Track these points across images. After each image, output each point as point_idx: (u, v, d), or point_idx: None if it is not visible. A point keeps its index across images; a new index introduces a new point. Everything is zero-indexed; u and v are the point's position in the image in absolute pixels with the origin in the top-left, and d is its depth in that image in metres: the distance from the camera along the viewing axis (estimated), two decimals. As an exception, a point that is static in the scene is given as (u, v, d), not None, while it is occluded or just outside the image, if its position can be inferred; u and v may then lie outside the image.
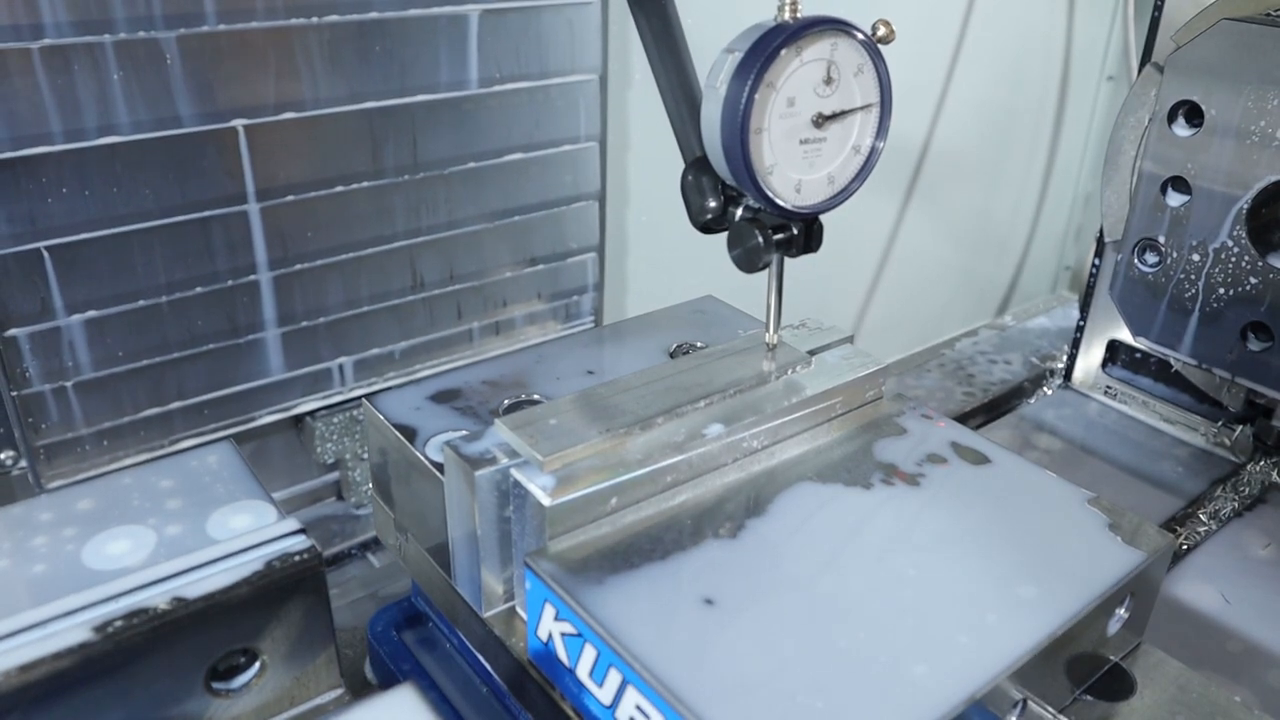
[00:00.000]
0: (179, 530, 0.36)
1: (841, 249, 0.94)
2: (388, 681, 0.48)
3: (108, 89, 0.49)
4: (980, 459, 0.44)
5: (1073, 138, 1.16)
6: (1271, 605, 0.55)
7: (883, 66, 0.39)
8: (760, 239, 0.40)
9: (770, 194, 0.39)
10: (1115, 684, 0.40)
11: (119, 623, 0.31)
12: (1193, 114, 0.72)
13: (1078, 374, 0.85)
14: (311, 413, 0.63)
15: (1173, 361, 0.75)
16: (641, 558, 0.37)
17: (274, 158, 0.55)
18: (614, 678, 0.33)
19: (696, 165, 0.41)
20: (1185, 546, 0.62)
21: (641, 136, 0.75)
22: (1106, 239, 0.80)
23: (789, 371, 0.45)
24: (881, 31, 0.39)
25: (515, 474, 0.38)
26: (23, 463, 0.53)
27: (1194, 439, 0.75)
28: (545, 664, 0.37)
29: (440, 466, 0.41)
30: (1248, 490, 0.70)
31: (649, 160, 0.76)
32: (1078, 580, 0.37)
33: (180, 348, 0.56)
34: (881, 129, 0.41)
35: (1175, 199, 0.73)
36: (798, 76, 0.38)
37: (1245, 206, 0.69)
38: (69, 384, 0.53)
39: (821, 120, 0.39)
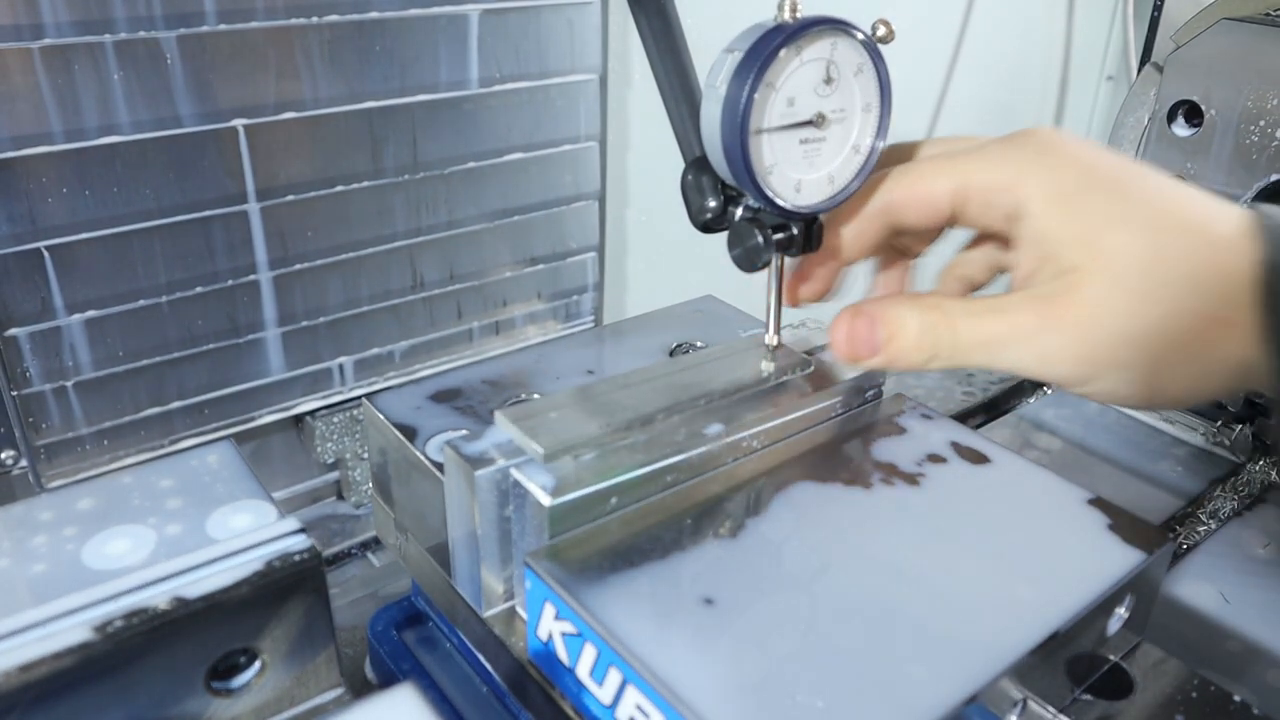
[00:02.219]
0: (179, 530, 0.36)
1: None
2: (388, 681, 0.48)
3: (108, 89, 0.49)
4: (980, 458, 0.44)
5: (1073, 138, 1.16)
6: (1271, 605, 0.55)
7: (883, 66, 0.39)
8: (760, 238, 0.40)
9: (770, 194, 0.39)
10: (1115, 683, 0.40)
11: (119, 622, 0.31)
12: (1192, 114, 0.72)
13: (1078, 374, 0.85)
14: (311, 412, 0.63)
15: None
16: (641, 557, 0.37)
17: (274, 157, 0.55)
18: (614, 677, 0.33)
19: (696, 165, 0.41)
20: (1185, 546, 0.63)
21: (641, 136, 0.75)
22: (1106, 239, 0.80)
23: (789, 372, 0.45)
24: (881, 31, 0.39)
25: (515, 474, 0.38)
26: (23, 462, 0.53)
27: (1193, 438, 0.75)
28: (545, 663, 0.38)
29: (440, 466, 0.41)
30: (1247, 490, 0.70)
31: (649, 160, 0.76)
32: (1078, 580, 0.37)
33: (180, 347, 0.56)
34: (881, 129, 0.41)
35: (1175, 199, 0.73)
36: (798, 76, 0.38)
37: (1245, 206, 0.69)
38: (69, 384, 0.53)
39: (821, 120, 0.39)
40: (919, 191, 0.38)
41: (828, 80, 0.38)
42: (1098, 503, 0.41)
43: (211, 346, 0.57)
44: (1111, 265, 0.34)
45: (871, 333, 0.39)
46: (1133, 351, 0.35)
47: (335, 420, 0.64)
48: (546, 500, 0.37)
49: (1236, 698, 0.39)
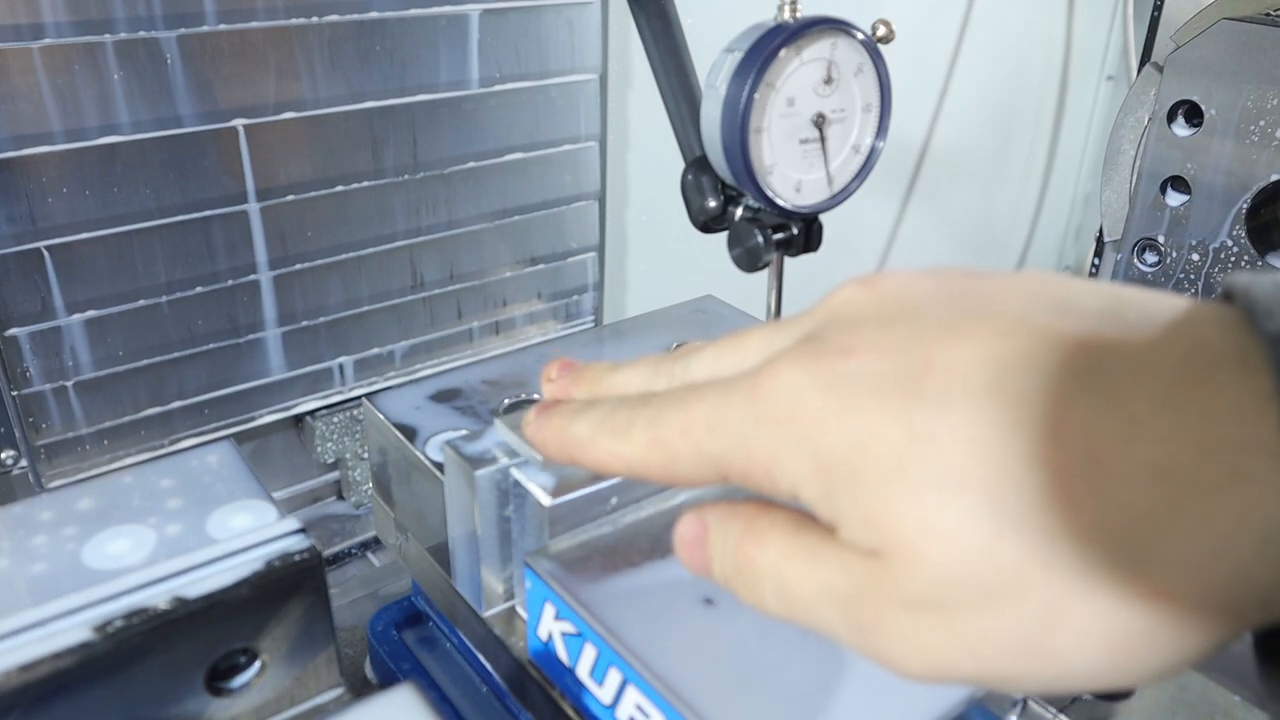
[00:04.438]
0: (179, 530, 0.36)
1: (842, 249, 0.94)
2: (388, 681, 0.48)
3: (108, 89, 0.49)
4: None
5: (1072, 138, 1.16)
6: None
7: (883, 66, 0.39)
8: (760, 238, 0.40)
9: (770, 194, 0.39)
10: (1115, 684, 0.40)
11: (119, 622, 0.31)
12: (1192, 114, 0.72)
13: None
14: (311, 412, 0.63)
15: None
16: (641, 557, 0.37)
17: (274, 157, 0.55)
18: (614, 677, 0.33)
19: (696, 165, 0.41)
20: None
21: (641, 136, 0.75)
22: (1106, 239, 0.80)
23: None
24: (881, 31, 0.39)
25: (515, 474, 0.38)
26: (23, 462, 0.53)
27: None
28: (545, 663, 0.37)
29: (440, 466, 0.41)
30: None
31: (649, 160, 0.76)
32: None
33: (180, 347, 0.56)
34: (881, 129, 0.41)
35: (1175, 199, 0.73)
36: (798, 76, 0.38)
37: (1245, 206, 0.69)
38: (69, 384, 0.53)
39: (821, 120, 0.39)
40: (678, 484, 0.28)
41: (828, 80, 0.38)
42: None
43: (211, 346, 0.57)
44: (921, 553, 0.21)
45: (695, 550, 0.28)
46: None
47: (335, 420, 0.64)
48: (546, 500, 0.37)
49: (1236, 698, 0.39)
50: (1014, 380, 0.20)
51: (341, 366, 0.63)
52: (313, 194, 0.57)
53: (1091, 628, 0.19)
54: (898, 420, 0.21)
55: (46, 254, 0.50)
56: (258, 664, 0.35)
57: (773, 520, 0.25)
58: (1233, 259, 0.70)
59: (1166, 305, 0.21)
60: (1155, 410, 0.19)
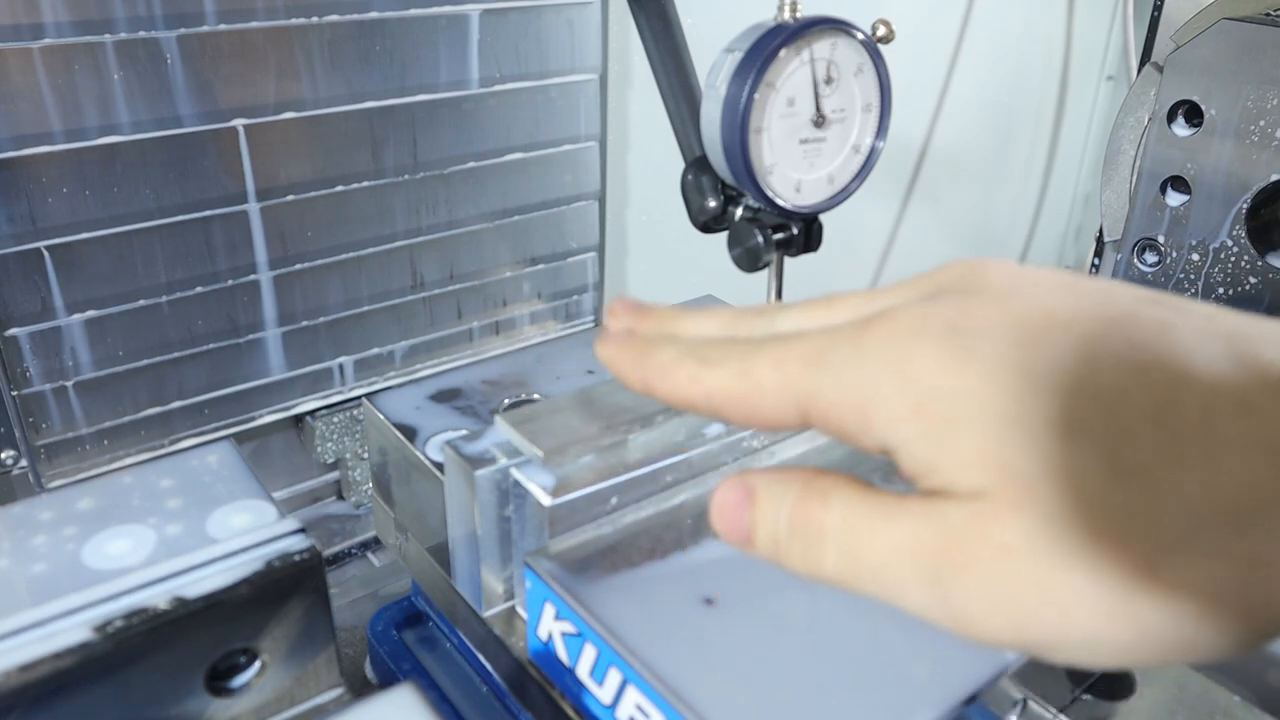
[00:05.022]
0: (179, 530, 0.36)
1: (842, 249, 0.94)
2: (388, 681, 0.48)
3: (108, 89, 0.49)
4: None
5: (1072, 138, 1.16)
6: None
7: (883, 66, 0.40)
8: (760, 238, 0.40)
9: (770, 194, 0.39)
10: (1115, 683, 0.40)
11: (119, 622, 0.31)
12: (1192, 114, 0.72)
13: (1077, 374, 0.85)
14: (311, 412, 0.63)
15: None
16: (641, 557, 0.37)
17: (274, 157, 0.55)
18: (614, 677, 0.33)
19: (696, 165, 0.41)
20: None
21: (641, 136, 0.75)
22: (1106, 239, 0.80)
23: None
24: (881, 31, 0.39)
25: (515, 474, 0.38)
26: (23, 462, 0.53)
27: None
28: (545, 663, 0.38)
29: (440, 466, 0.41)
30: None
31: (649, 160, 0.76)
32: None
33: (180, 347, 0.56)
34: (881, 129, 0.41)
35: (1175, 199, 0.73)
36: (798, 76, 0.38)
37: (1245, 206, 0.69)
38: (69, 384, 0.53)
39: (821, 120, 0.39)
40: (755, 421, 0.27)
41: (828, 80, 0.39)
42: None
43: (211, 346, 0.57)
44: (1034, 491, 0.21)
45: (738, 515, 0.27)
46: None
47: (335, 420, 0.64)
48: (546, 500, 0.37)
49: (1236, 698, 0.39)
50: (1134, 350, 0.21)
51: (341, 366, 0.63)
52: (313, 194, 0.57)
53: (1183, 589, 0.20)
54: (1017, 369, 0.22)
55: (46, 254, 0.50)
56: (258, 664, 0.35)
57: (835, 480, 0.25)
58: (1233, 259, 0.70)
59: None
60: (1266, 394, 0.20)
